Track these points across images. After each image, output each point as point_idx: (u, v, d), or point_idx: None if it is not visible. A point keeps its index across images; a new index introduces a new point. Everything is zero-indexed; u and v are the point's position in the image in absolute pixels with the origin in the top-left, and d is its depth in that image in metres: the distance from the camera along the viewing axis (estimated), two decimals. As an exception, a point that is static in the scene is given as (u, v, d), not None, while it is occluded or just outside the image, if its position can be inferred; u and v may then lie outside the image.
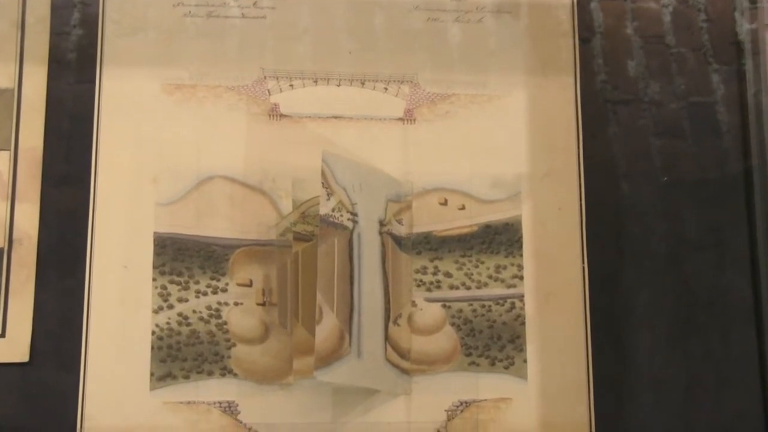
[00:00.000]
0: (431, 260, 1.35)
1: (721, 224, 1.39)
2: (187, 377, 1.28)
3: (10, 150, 1.30)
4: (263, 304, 1.30)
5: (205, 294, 1.30)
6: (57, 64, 1.33)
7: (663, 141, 1.38)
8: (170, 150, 1.33)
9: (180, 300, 1.30)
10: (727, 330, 1.37)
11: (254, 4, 1.37)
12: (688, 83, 1.41)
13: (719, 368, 1.36)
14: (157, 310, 1.30)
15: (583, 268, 1.36)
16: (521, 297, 1.35)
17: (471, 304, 1.34)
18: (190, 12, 1.35)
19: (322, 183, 1.26)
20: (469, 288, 1.35)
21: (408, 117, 1.38)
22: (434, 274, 1.35)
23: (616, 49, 1.40)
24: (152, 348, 1.28)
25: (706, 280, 1.38)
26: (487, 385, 1.32)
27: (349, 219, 1.29)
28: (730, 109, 1.40)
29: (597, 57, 1.40)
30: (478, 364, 1.33)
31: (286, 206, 1.33)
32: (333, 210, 1.27)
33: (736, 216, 1.39)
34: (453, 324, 1.34)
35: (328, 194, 1.26)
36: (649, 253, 1.38)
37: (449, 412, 1.32)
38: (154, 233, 1.31)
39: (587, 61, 1.40)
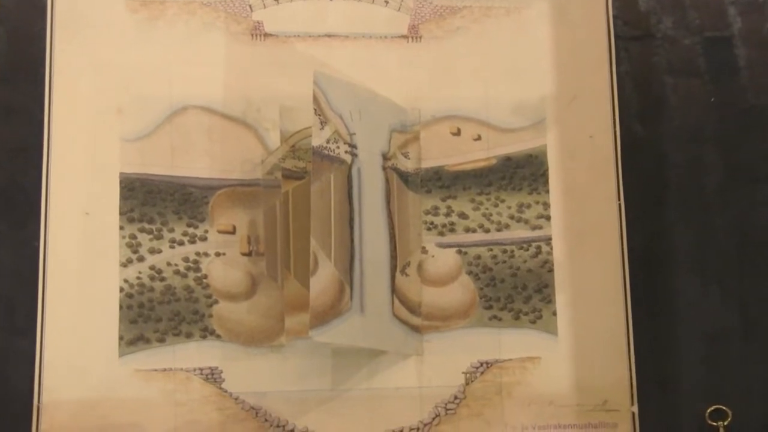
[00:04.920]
0: (443, 199, 1.30)
1: (781, 152, 1.36)
2: (161, 340, 1.23)
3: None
4: (249, 254, 1.26)
5: (181, 243, 1.26)
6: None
7: (676, 79, 1.36)
8: (137, 76, 1.28)
9: (152, 251, 1.25)
10: (787, 273, 1.33)
11: None
12: (703, 17, 1.38)
13: (779, 317, 1.33)
14: (125, 264, 1.24)
15: (619, 204, 1.30)
16: (548, 240, 1.30)
17: (490, 250, 1.29)
18: None
19: (315, 110, 1.20)
20: (487, 231, 1.30)
21: (413, 34, 1.32)
22: (447, 215, 1.30)
23: (626, -19, 1.37)
24: (120, 307, 1.23)
25: (763, 216, 1.34)
26: (511, 342, 1.28)
27: (346, 151, 1.23)
28: (747, 43, 1.37)
29: (606, -10, 1.37)
30: (499, 319, 1.28)
31: (274, 139, 1.28)
32: (328, 141, 1.21)
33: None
34: (470, 273, 1.29)
35: (321, 123, 1.20)
36: (695, 186, 1.34)
37: (467, 375, 1.26)
38: (120, 174, 1.26)
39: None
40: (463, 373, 1.26)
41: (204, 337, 1.23)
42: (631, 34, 1.35)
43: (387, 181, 1.27)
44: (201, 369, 1.23)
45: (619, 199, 1.30)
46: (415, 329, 1.26)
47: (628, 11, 1.36)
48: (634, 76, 1.35)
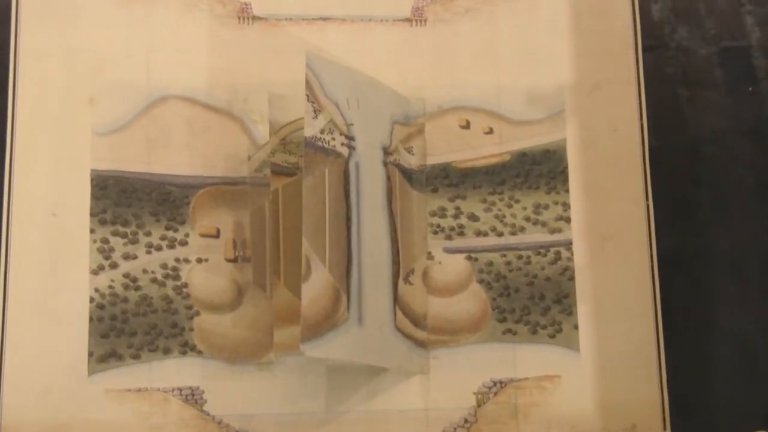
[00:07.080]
0: (451, 199, 1.28)
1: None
2: (136, 357, 1.22)
3: None
4: (234, 260, 1.24)
5: (158, 248, 1.24)
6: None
7: (692, 91, 1.35)
8: (111, 63, 1.27)
9: (126, 257, 1.23)
10: (833, 280, 1.34)
11: None
12: (719, 26, 1.38)
13: (823, 328, 1.33)
14: (96, 271, 1.23)
15: (647, 204, 1.28)
16: (568, 244, 1.27)
17: (504, 255, 1.27)
18: None
19: (307, 96, 1.17)
20: (500, 234, 1.27)
21: (417, 17, 1.31)
22: (455, 217, 1.28)
23: (640, -11, 1.41)
24: (91, 320, 1.22)
25: (807, 217, 1.36)
26: (528, 359, 1.25)
27: (343, 143, 1.20)
28: (766, 53, 1.37)
29: (618, -1, 1.40)
30: (515, 333, 1.25)
31: (262, 132, 1.27)
32: (322, 131, 1.17)
33: None
34: (481, 281, 1.26)
35: (315, 111, 1.17)
36: (731, 184, 1.33)
37: (479, 396, 1.24)
38: (92, 171, 1.24)
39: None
40: (474, 393, 1.24)
41: (184, 353, 1.21)
42: (645, 45, 1.35)
43: (388, 177, 1.25)
44: (180, 389, 1.21)
45: (646, 199, 1.29)
46: (420, 344, 1.24)
47: (642, 21, 1.35)
48: (648, 89, 1.33)
